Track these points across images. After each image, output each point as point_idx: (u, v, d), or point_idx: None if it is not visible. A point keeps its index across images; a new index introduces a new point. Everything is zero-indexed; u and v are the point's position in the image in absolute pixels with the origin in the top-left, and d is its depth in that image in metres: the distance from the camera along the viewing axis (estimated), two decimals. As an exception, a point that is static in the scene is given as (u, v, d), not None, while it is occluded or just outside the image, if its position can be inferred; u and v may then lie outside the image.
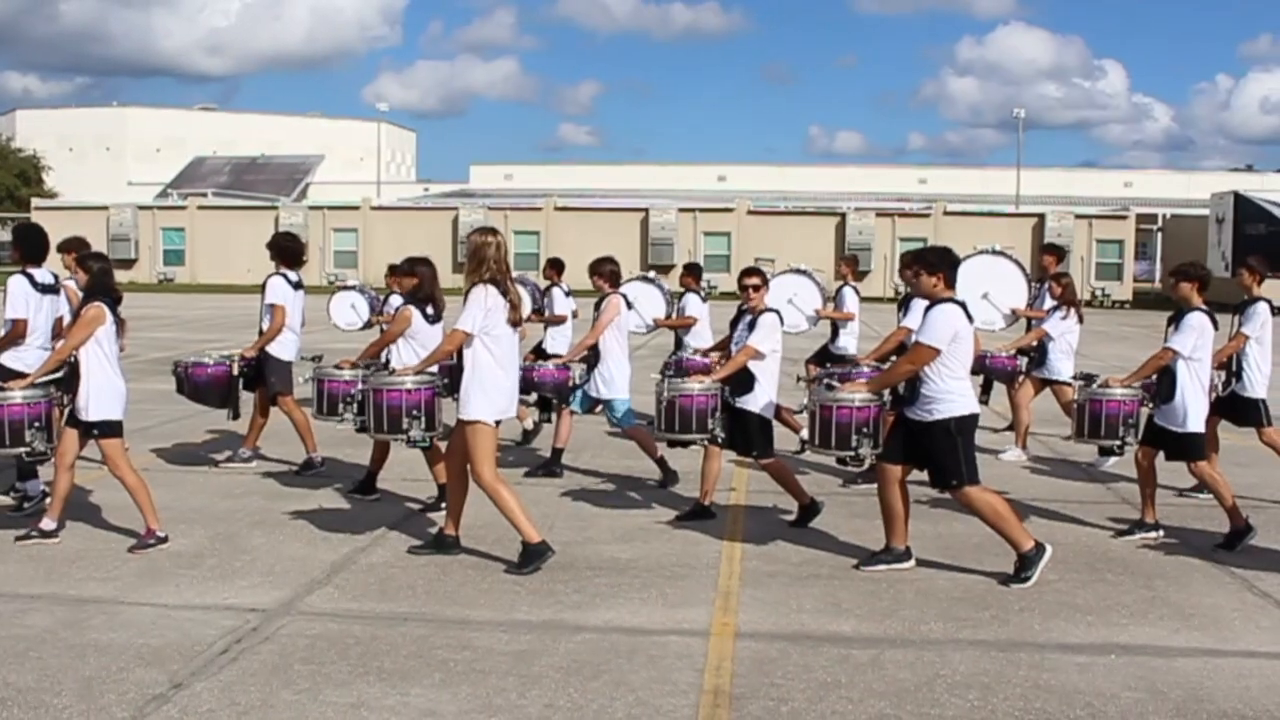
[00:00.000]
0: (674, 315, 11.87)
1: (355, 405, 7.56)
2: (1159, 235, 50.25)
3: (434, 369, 7.46)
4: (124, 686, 5.12)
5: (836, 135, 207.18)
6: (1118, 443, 8.15)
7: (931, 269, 6.84)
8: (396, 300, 11.90)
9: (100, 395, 7.27)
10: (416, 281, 8.35)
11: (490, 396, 6.84)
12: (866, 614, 6.25)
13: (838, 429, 7.11)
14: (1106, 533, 8.04)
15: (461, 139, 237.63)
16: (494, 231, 7.05)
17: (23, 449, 7.26)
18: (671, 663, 5.49)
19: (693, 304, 11.69)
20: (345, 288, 14.07)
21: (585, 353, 9.61)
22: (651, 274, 10.04)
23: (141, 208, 48.34)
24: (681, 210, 44.99)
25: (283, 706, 4.95)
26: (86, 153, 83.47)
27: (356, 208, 47.11)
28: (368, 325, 12.75)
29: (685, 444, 8.19)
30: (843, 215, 44.09)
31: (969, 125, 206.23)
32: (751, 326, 7.96)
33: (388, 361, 8.26)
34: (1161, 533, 7.89)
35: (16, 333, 7.99)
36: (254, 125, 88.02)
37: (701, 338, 11.46)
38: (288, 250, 9.98)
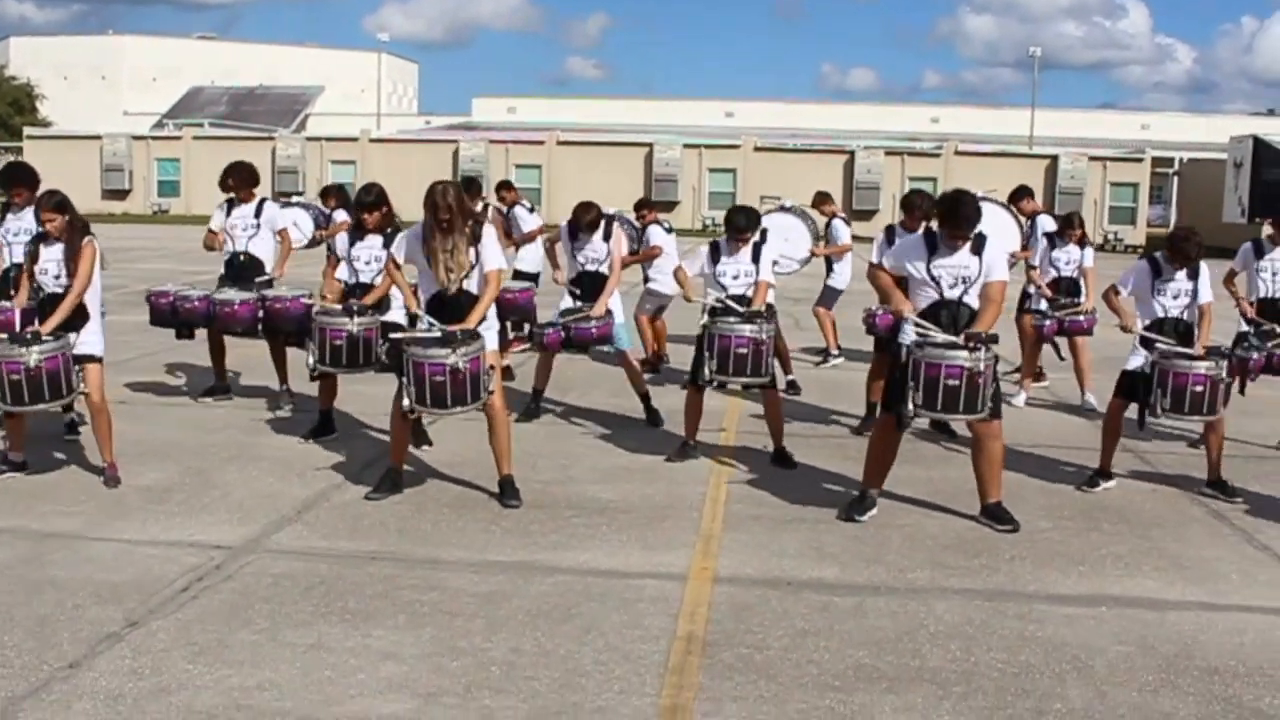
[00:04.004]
0: (640, 250, 11.50)
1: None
2: (1175, 179, 49.57)
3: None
4: (78, 624, 4.95)
5: (849, 73, 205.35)
6: None
7: None
8: (341, 215, 11.51)
9: (100, 328, 7.24)
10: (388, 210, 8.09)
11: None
12: (850, 560, 6.05)
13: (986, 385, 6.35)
14: (1109, 481, 7.71)
15: (465, 71, 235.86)
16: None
17: (74, 394, 7.03)
18: (645, 607, 5.30)
19: (656, 234, 11.35)
20: (290, 204, 13.36)
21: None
22: (611, 210, 9.61)
23: (136, 138, 47.55)
24: (687, 146, 44.41)
25: (239, 646, 4.77)
26: (81, 81, 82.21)
27: (355, 139, 46.54)
28: (313, 242, 12.07)
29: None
30: (851, 154, 43.51)
31: (985, 64, 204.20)
32: (756, 258, 7.97)
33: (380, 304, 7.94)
34: (1114, 482, 7.57)
35: None
36: (253, 55, 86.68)
37: (665, 270, 11.00)
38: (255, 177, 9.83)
